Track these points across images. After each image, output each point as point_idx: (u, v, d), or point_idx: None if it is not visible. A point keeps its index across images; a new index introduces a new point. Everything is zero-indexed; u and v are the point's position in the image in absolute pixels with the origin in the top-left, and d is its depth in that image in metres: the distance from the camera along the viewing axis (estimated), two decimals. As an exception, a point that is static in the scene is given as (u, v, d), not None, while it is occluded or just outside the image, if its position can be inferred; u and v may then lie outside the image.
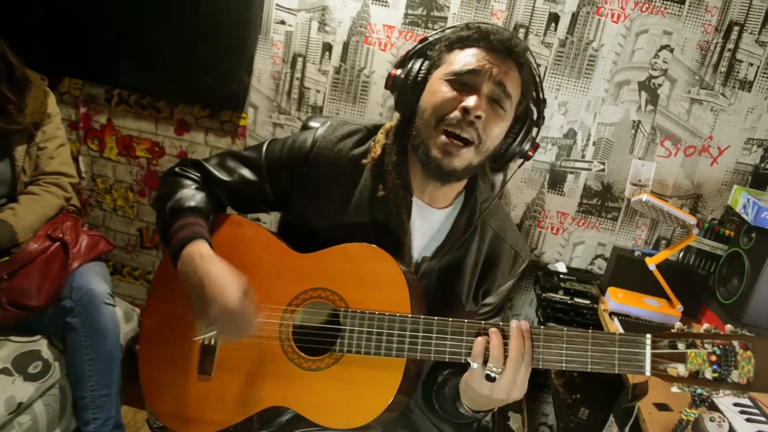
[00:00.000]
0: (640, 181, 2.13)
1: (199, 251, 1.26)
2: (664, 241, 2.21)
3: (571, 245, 2.25)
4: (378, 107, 2.24)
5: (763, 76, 2.01)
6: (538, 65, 1.34)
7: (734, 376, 1.01)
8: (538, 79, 1.33)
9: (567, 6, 2.05)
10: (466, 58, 1.25)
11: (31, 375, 1.90)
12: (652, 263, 2.03)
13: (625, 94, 2.09)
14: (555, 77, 2.10)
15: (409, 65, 1.32)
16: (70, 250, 2.03)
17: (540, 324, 1.71)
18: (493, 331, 1.12)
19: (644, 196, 1.99)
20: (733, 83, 2.03)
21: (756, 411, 1.54)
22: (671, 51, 2.03)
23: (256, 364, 1.30)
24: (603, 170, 2.17)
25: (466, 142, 1.22)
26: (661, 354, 1.05)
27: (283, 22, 2.22)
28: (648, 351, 1.06)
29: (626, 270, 2.12)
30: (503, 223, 1.43)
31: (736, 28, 1.99)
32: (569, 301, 2.09)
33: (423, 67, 1.31)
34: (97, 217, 2.55)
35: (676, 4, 1.99)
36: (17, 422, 1.86)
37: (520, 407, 1.82)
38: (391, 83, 1.34)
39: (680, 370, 1.03)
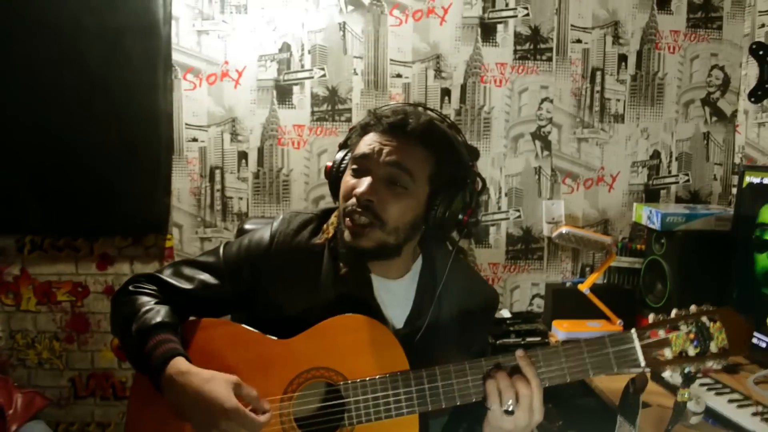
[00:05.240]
0: (553, 218, 2.34)
1: (178, 369, 1.22)
2: (588, 268, 2.41)
3: (509, 291, 2.40)
4: (302, 202, 2.33)
5: (630, 108, 2.35)
6: (457, 130, 1.37)
7: (712, 347, 1.13)
8: (457, 144, 1.34)
9: (455, 79, 2.30)
10: (361, 146, 1.31)
11: None
12: (585, 288, 2.20)
13: (523, 146, 2.34)
14: (458, 142, 2.31)
15: (336, 156, 1.40)
16: (6, 412, 1.90)
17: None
18: (495, 371, 1.17)
19: (564, 229, 2.19)
20: (608, 118, 2.35)
21: (719, 385, 1.71)
22: (551, 101, 2.33)
23: (265, 462, 1.26)
24: (519, 216, 2.37)
25: (367, 226, 1.28)
26: (648, 344, 1.15)
27: (195, 140, 2.29)
28: (637, 344, 1.16)
29: (563, 301, 2.29)
30: (465, 276, 1.48)
31: (599, 72, 2.33)
32: (522, 342, 2.19)
33: (345, 159, 1.38)
34: (21, 376, 2.36)
35: (545, 62, 2.30)
36: None
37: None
38: (327, 174, 1.41)
39: (667, 354, 1.14)
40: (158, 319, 1.30)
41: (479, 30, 2.29)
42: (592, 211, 2.38)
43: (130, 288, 1.39)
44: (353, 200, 1.27)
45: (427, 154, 1.30)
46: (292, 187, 2.32)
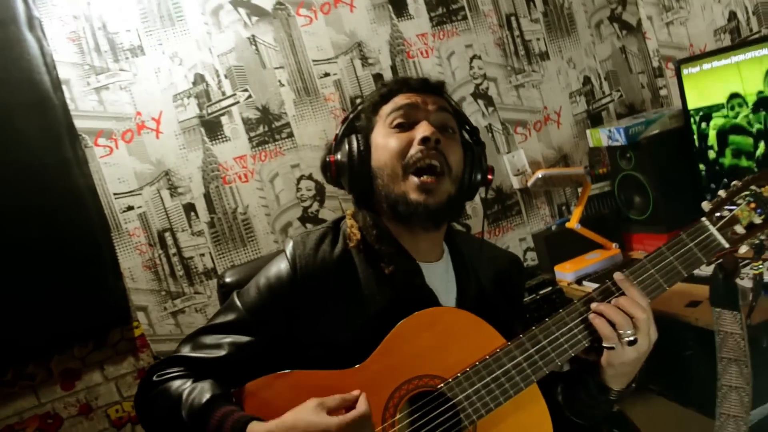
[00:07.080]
0: (518, 170, 2.32)
1: (263, 428, 1.05)
2: (563, 207, 2.42)
3: (500, 254, 2.34)
4: (270, 236, 2.11)
5: (550, 43, 2.39)
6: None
7: None
8: (459, 109, 1.36)
9: (383, 62, 2.21)
10: (397, 102, 1.27)
11: None
12: (575, 224, 2.20)
13: (467, 108, 2.29)
14: (406, 124, 2.22)
15: (345, 145, 1.29)
16: None
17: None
18: (598, 306, 1.13)
19: (540, 173, 2.18)
20: (536, 59, 2.37)
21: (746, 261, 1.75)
22: (480, 58, 2.30)
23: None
24: (486, 178, 2.33)
25: (439, 173, 1.21)
26: (722, 225, 1.17)
27: (130, 208, 1.99)
28: (713, 229, 1.17)
29: (555, 246, 2.28)
30: (486, 246, 1.44)
31: (513, 18, 2.33)
32: (537, 297, 2.14)
33: (360, 138, 1.28)
34: None
35: (461, 21, 2.27)
36: None
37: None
38: (335, 169, 1.29)
39: (739, 229, 1.16)
40: (208, 395, 1.10)
41: (390, 7, 2.20)
42: (549, 152, 2.39)
43: (155, 379, 1.18)
44: (417, 147, 1.20)
45: (451, 108, 1.31)
46: (254, 223, 2.10)
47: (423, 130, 1.21)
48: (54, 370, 1.96)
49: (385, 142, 1.24)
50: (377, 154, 1.25)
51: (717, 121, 2.01)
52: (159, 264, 2.03)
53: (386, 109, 1.28)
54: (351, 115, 1.33)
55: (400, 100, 1.27)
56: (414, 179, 1.20)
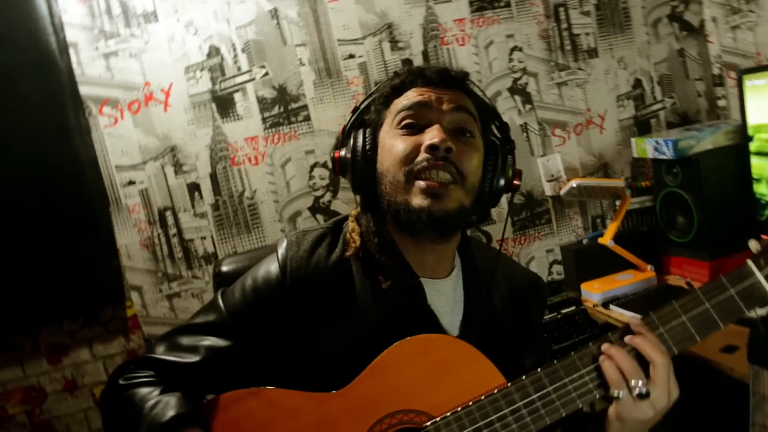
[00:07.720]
0: (552, 175, 2.13)
1: None
2: (598, 219, 2.23)
3: (524, 265, 2.17)
4: (277, 224, 1.99)
5: (601, 40, 2.17)
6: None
7: None
8: (489, 103, 1.19)
9: (414, 47, 2.04)
10: (409, 97, 1.10)
11: None
12: (608, 240, 2.00)
13: (502, 104, 2.11)
14: (433, 116, 2.06)
15: (351, 140, 1.14)
16: None
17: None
18: (609, 348, 0.97)
19: (574, 182, 1.99)
20: (583, 55, 2.15)
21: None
22: (521, 50, 2.11)
23: None
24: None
25: (450, 183, 1.06)
26: None
27: (131, 182, 1.90)
28: (760, 275, 0.99)
29: (584, 261, 2.09)
30: (506, 264, 1.28)
31: (561, 9, 2.13)
32: (558, 316, 1.98)
33: (368, 134, 1.14)
34: None
35: (504, 8, 2.08)
36: None
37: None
38: (339, 166, 1.14)
39: None
40: (171, 412, 0.98)
41: (427, -13, 2.04)
42: (588, 158, 2.19)
43: (121, 382, 1.07)
44: (424, 155, 1.04)
45: (473, 105, 1.14)
46: (261, 209, 1.98)
47: (431, 136, 1.04)
48: (42, 344, 1.90)
49: (390, 144, 1.09)
50: (382, 157, 1.10)
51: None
52: (157, 244, 1.94)
53: (397, 104, 1.12)
54: (361, 106, 1.17)
55: (413, 95, 1.10)
56: (419, 183, 1.04)
